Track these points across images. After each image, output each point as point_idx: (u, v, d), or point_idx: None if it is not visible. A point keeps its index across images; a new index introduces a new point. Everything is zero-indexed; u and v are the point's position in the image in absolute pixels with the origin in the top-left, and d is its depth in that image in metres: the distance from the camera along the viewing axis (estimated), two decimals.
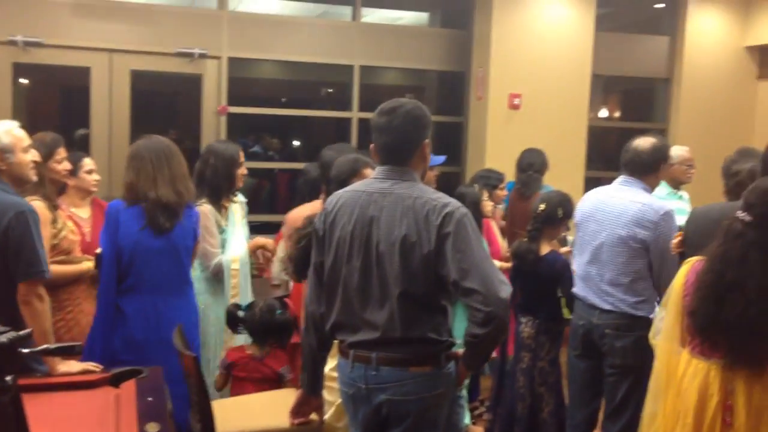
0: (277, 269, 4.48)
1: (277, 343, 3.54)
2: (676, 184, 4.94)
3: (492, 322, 2.18)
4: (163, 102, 7.69)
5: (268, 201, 7.66)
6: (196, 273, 3.75)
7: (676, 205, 4.66)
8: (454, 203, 2.28)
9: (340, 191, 2.50)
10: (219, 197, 3.81)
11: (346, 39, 7.26)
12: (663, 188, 4.86)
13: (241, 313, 3.57)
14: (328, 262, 2.40)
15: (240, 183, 3.92)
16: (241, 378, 3.52)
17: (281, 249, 4.11)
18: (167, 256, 3.30)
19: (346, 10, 7.48)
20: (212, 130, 6.77)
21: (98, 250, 3.32)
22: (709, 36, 7.63)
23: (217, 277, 3.73)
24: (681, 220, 4.52)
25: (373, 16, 7.67)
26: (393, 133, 2.34)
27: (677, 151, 4.94)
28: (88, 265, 3.46)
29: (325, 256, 2.42)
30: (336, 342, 2.52)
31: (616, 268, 3.38)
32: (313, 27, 7.30)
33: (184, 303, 3.43)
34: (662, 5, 7.86)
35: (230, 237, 3.83)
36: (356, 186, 2.46)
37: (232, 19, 6.87)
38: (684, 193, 4.98)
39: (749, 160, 3.37)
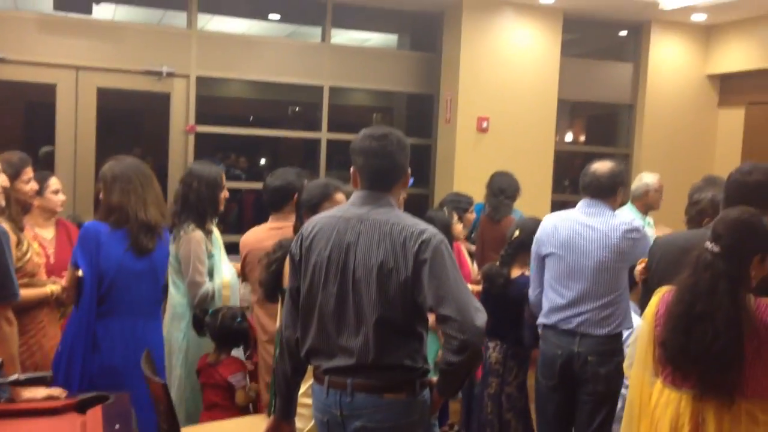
0: (244, 291, 4.46)
1: (230, 348, 3.59)
2: (647, 210, 5.03)
3: (467, 350, 2.18)
4: (130, 120, 7.61)
5: (235, 221, 7.61)
6: (186, 300, 3.69)
7: (649, 231, 4.75)
8: (431, 230, 2.29)
9: (317, 216, 2.49)
10: (205, 221, 3.75)
11: (316, 60, 7.27)
12: (633, 215, 4.94)
13: (208, 319, 3.60)
14: (304, 288, 2.39)
15: (222, 207, 3.87)
16: (202, 383, 3.58)
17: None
18: (147, 277, 3.27)
19: (316, 31, 7.50)
20: (180, 149, 6.71)
21: (79, 273, 3.23)
22: (671, 64, 7.82)
23: (200, 307, 3.66)
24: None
25: (341, 36, 7.70)
26: (387, 158, 2.36)
27: (653, 179, 5.03)
28: (52, 288, 3.38)
29: (301, 281, 2.40)
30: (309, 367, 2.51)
31: (603, 292, 3.38)
32: (282, 47, 7.30)
33: (158, 324, 3.42)
34: (625, 33, 8.03)
35: (218, 262, 3.78)
36: (333, 211, 2.46)
37: (201, 38, 6.84)
38: (650, 219, 5.08)
39: (712, 188, 3.44)
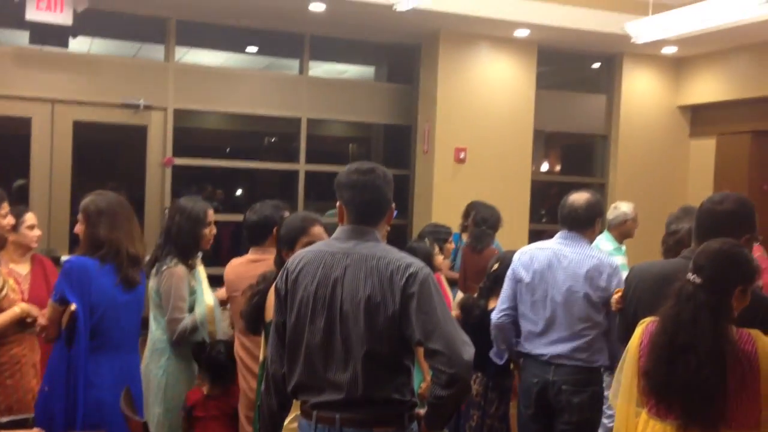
0: (224, 325, 4.42)
1: (219, 381, 3.57)
2: (623, 238, 5.09)
3: (455, 384, 2.18)
4: (106, 153, 7.55)
5: (212, 253, 7.54)
6: (166, 336, 3.65)
7: (621, 261, 4.80)
8: (417, 263, 2.29)
9: (303, 251, 2.48)
10: (187, 256, 3.72)
11: (293, 92, 7.31)
12: (609, 243, 4.99)
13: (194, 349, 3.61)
14: (290, 322, 2.37)
15: (207, 244, 3.82)
16: (201, 417, 3.53)
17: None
18: (132, 310, 3.27)
19: (294, 63, 7.55)
20: (157, 182, 6.68)
21: (73, 307, 3.17)
22: (643, 95, 7.97)
23: (177, 344, 3.62)
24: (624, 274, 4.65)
25: (319, 68, 7.76)
26: (373, 192, 2.37)
27: (630, 207, 5.10)
28: (22, 306, 3.34)
29: (287, 316, 2.39)
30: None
31: (573, 322, 3.41)
32: (260, 79, 7.33)
33: (138, 358, 3.41)
34: (599, 65, 8.18)
35: (200, 297, 3.74)
36: (319, 245, 2.46)
37: (178, 70, 6.85)
38: (623, 247, 5.13)
39: (689, 219, 3.48)
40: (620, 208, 5.14)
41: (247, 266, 3.59)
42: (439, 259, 4.60)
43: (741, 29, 6.37)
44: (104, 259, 3.17)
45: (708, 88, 7.75)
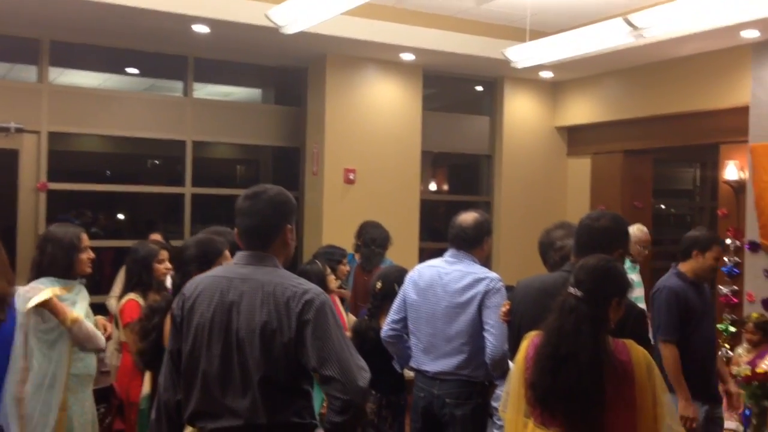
0: (109, 355, 4.26)
1: None
2: (634, 258, 5.18)
3: (350, 410, 2.19)
4: None
5: (91, 281, 7.19)
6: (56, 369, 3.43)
7: (635, 277, 4.97)
8: (314, 290, 2.29)
9: (200, 276, 2.45)
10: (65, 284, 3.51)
11: (177, 114, 7.13)
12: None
13: None
14: (186, 349, 2.33)
15: (85, 269, 3.62)
16: None
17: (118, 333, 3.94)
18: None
19: (177, 85, 7.37)
20: (30, 208, 6.32)
21: None
22: (524, 117, 8.30)
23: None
24: (638, 292, 4.96)
25: (203, 90, 7.61)
26: (255, 217, 2.35)
27: (634, 229, 5.13)
28: None
29: (182, 343, 2.34)
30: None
31: (453, 338, 3.49)
32: (142, 101, 7.11)
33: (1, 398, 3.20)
34: (481, 88, 8.46)
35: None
36: (216, 271, 2.43)
37: (53, 92, 6.54)
38: (638, 266, 5.27)
39: (571, 234, 3.65)
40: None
41: None
42: (333, 281, 4.59)
43: (611, 56, 6.76)
44: None
45: (582, 110, 8.17)
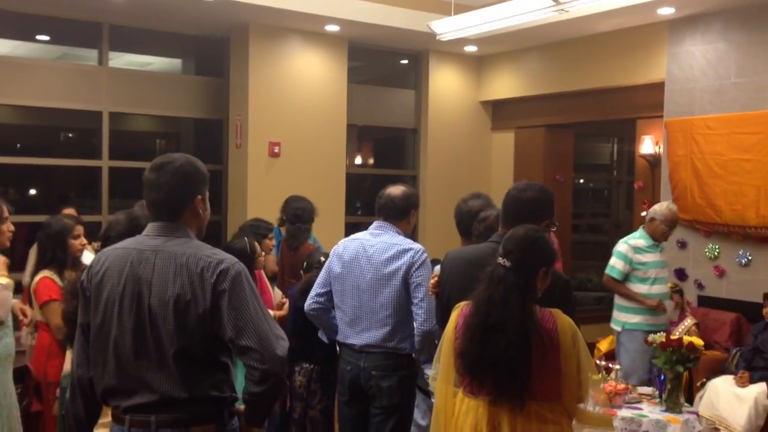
0: (24, 335, 4.11)
1: None
2: (656, 237, 5.17)
3: (269, 380, 2.16)
4: None
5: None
6: None
7: (651, 258, 5.12)
8: (229, 259, 2.23)
9: (108, 249, 2.35)
10: None
11: (92, 84, 6.84)
12: (642, 240, 5.17)
13: None
14: (95, 323, 2.25)
15: (7, 240, 3.51)
16: None
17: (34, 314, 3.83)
18: None
19: (91, 54, 7.05)
20: None
21: None
22: (448, 90, 8.34)
23: None
24: (661, 272, 5.20)
25: (120, 60, 7.31)
26: (162, 190, 2.26)
27: (661, 207, 5.18)
28: None
29: (92, 317, 2.26)
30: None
31: (378, 310, 3.50)
32: (54, 71, 6.78)
33: None
34: (407, 61, 8.45)
35: None
36: (126, 243, 2.32)
37: None
38: (661, 245, 5.22)
39: (491, 205, 3.71)
40: (654, 207, 5.26)
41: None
42: (262, 254, 4.51)
43: (534, 30, 6.85)
44: None
45: (506, 84, 8.27)
